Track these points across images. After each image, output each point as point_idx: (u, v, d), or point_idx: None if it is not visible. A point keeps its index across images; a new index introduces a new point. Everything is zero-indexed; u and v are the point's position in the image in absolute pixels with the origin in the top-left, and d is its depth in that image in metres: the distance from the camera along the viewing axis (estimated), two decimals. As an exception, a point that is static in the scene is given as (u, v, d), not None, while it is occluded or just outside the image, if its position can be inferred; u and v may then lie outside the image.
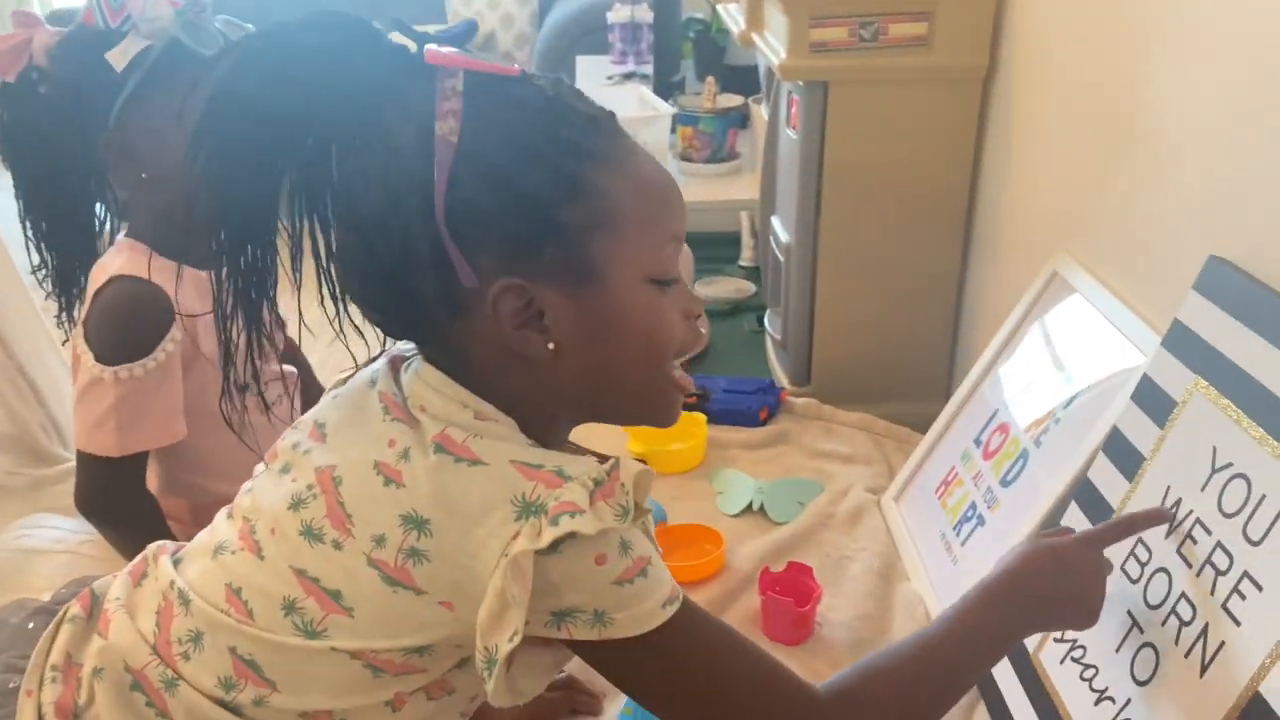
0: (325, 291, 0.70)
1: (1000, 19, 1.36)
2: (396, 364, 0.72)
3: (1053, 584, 0.76)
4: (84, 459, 1.10)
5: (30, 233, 1.13)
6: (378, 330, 0.71)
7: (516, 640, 0.62)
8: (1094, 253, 1.15)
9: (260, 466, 0.76)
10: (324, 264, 0.69)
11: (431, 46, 0.65)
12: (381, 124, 0.64)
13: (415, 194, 0.63)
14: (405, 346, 0.74)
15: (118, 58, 1.01)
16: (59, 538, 1.25)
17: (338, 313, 0.70)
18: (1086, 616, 0.77)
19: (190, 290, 1.06)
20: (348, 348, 0.73)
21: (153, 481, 1.16)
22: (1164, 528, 0.83)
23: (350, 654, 0.67)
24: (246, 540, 0.71)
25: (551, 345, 0.66)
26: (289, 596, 0.67)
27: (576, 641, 0.66)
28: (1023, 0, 1.32)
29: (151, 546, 0.78)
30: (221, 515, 0.76)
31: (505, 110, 0.65)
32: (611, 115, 0.69)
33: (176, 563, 0.75)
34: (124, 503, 1.11)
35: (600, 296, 0.67)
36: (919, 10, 1.34)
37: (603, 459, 0.67)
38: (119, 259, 1.08)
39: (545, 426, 0.71)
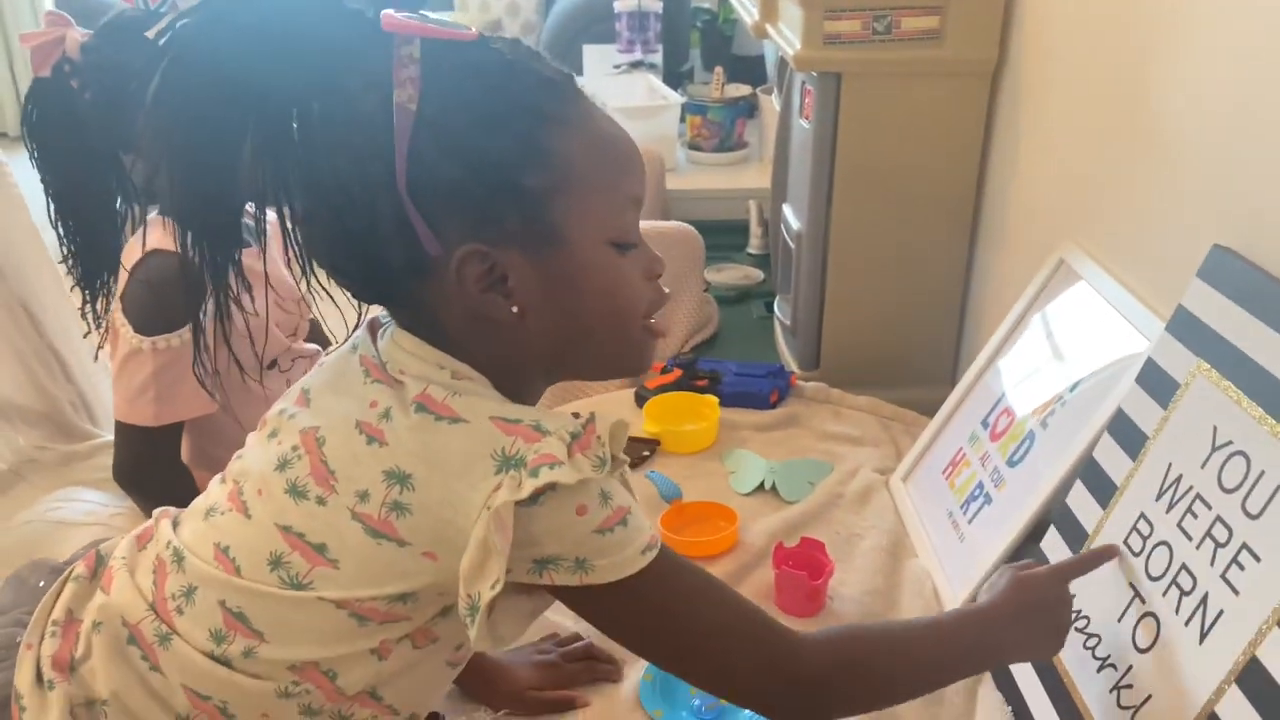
0: (291, 255, 0.71)
1: (1010, 13, 1.39)
2: (375, 328, 0.74)
3: (1032, 620, 0.80)
4: (123, 430, 1.13)
5: (60, 228, 1.16)
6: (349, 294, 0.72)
7: (498, 588, 0.64)
8: (1101, 242, 1.18)
9: (252, 435, 0.78)
10: (289, 228, 0.70)
11: (388, 12, 0.64)
12: (341, 91, 0.65)
13: (377, 161, 0.63)
14: (383, 312, 0.75)
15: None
16: (90, 510, 1.28)
17: (304, 274, 0.72)
18: (1055, 646, 0.82)
19: None
20: (316, 310, 0.75)
21: (184, 455, 1.19)
22: (1164, 503, 0.86)
23: (336, 603, 0.69)
24: (235, 501, 0.73)
25: (515, 309, 0.68)
26: (275, 552, 0.70)
27: (558, 587, 0.68)
28: (1032, -5, 1.35)
29: (156, 512, 0.80)
30: (215, 481, 0.78)
31: (463, 77, 0.65)
32: (570, 77, 0.70)
33: (175, 526, 0.77)
34: (160, 474, 1.15)
35: (562, 260, 0.68)
36: (931, 4, 1.37)
37: (576, 416, 0.69)
38: (154, 234, 1.11)
39: (519, 384, 0.73)
